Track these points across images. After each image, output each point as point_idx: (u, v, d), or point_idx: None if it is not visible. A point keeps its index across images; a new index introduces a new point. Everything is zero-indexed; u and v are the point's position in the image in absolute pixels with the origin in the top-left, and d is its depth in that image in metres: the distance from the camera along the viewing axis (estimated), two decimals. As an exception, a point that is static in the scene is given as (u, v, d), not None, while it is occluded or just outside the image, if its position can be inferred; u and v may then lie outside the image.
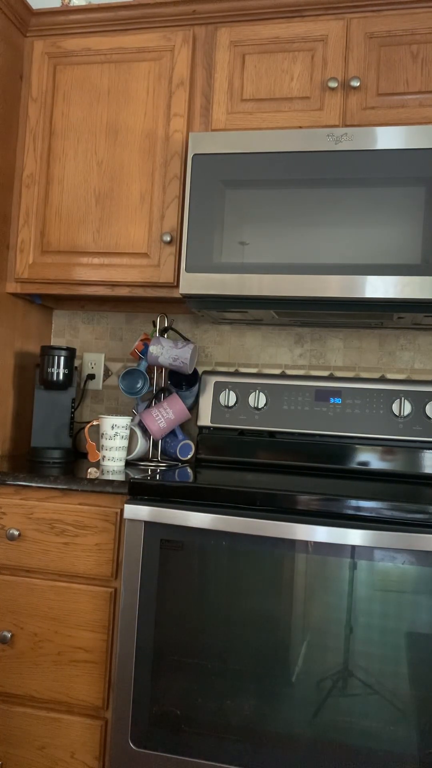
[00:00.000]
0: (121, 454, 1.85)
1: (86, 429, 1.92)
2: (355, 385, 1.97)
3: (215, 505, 1.50)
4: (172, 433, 2.05)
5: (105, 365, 2.27)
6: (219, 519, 1.46)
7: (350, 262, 1.68)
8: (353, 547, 1.42)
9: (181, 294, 1.79)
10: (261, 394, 2.01)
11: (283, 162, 1.74)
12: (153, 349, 1.96)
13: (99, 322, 2.28)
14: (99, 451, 1.90)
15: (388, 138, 1.68)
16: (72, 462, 1.94)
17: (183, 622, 1.49)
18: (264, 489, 1.47)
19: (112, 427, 1.83)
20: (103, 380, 2.27)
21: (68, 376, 1.97)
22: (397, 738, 1.37)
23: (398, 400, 1.92)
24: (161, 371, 2.10)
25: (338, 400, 1.97)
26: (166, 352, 1.96)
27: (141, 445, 1.95)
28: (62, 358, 1.95)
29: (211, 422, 2.04)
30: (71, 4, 2.03)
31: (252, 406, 2.02)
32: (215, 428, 2.05)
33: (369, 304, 1.70)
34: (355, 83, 1.76)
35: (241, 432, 2.04)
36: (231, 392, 2.03)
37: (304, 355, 2.12)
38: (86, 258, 1.93)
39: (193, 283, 1.78)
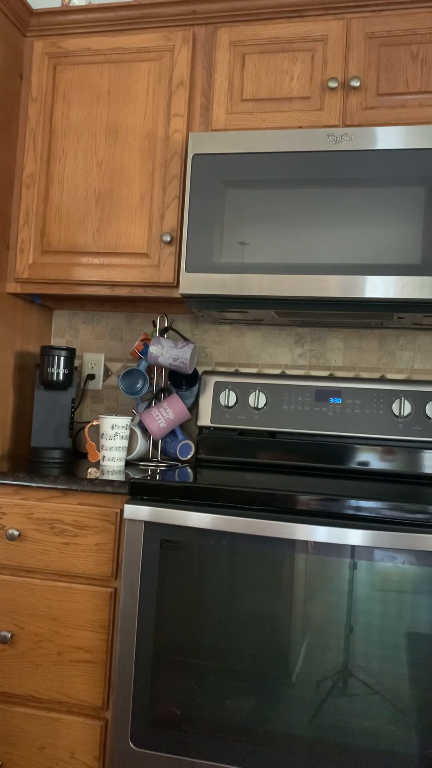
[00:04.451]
0: (121, 454, 1.85)
1: (86, 429, 1.92)
2: (355, 385, 1.97)
3: (215, 505, 1.50)
4: (172, 433, 2.05)
5: (105, 365, 2.27)
6: (219, 519, 1.46)
7: (350, 262, 1.68)
8: (353, 547, 1.42)
9: (181, 294, 1.79)
10: (261, 394, 2.01)
11: (283, 162, 1.74)
12: (153, 349, 1.96)
13: (99, 322, 2.28)
14: (99, 451, 1.90)
15: (388, 138, 1.68)
16: (72, 462, 1.94)
17: (183, 622, 1.49)
18: (264, 489, 1.47)
19: (112, 427, 1.83)
20: (103, 380, 2.27)
21: (68, 376, 1.97)
22: (397, 738, 1.37)
23: (398, 400, 1.92)
24: (161, 371, 2.10)
25: (338, 400, 1.97)
26: (166, 352, 1.96)
27: (141, 445, 1.95)
28: (62, 358, 1.95)
29: (211, 422, 2.04)
30: (71, 4, 2.03)
31: (252, 406, 2.02)
32: (215, 428, 2.05)
33: (369, 304, 1.70)
34: (355, 83, 1.76)
35: (241, 432, 2.04)
36: (231, 392, 2.03)
37: (304, 355, 2.12)
38: (86, 258, 1.93)
39: (193, 283, 1.78)
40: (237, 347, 2.17)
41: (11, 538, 1.62)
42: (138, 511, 1.52)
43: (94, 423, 1.89)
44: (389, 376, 2.06)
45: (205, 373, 2.08)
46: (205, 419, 2.05)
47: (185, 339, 2.12)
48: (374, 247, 1.67)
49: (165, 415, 1.95)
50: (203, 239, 1.77)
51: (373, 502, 1.41)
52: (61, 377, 1.96)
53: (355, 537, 1.39)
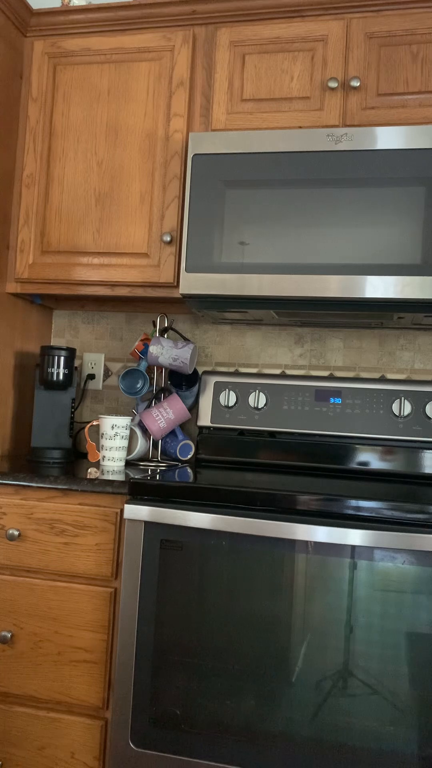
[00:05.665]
0: (121, 454, 1.85)
1: (86, 429, 1.92)
2: (355, 385, 1.97)
3: (215, 506, 1.50)
4: (172, 433, 2.05)
5: (105, 365, 2.27)
6: (219, 519, 1.46)
7: (350, 262, 1.68)
8: (353, 547, 1.42)
9: (181, 294, 1.79)
10: (261, 394, 2.01)
11: (283, 162, 1.74)
12: (153, 349, 1.96)
13: (99, 322, 2.28)
14: (99, 451, 1.90)
15: (388, 138, 1.68)
16: (72, 462, 1.94)
17: (183, 622, 1.49)
18: (264, 489, 1.47)
19: (112, 427, 1.83)
20: (103, 380, 2.27)
21: (68, 376, 1.97)
22: (397, 738, 1.37)
23: (398, 400, 1.92)
24: (161, 371, 2.10)
25: (338, 400, 1.97)
26: (166, 352, 1.96)
27: (141, 445, 1.95)
28: (62, 358, 1.95)
29: (211, 422, 2.04)
30: (71, 4, 2.03)
31: (252, 406, 2.02)
32: (215, 428, 2.05)
33: (369, 304, 1.70)
34: (355, 83, 1.76)
35: (241, 432, 2.04)
36: (231, 392, 2.03)
37: (304, 355, 2.12)
38: (86, 258, 1.93)
39: (193, 283, 1.78)
40: (237, 347, 2.17)
41: (11, 538, 1.62)
42: (138, 511, 1.52)
43: (94, 423, 1.89)
44: (389, 376, 2.06)
45: (205, 373, 2.08)
46: (205, 419, 2.05)
47: (185, 339, 2.12)
48: (374, 247, 1.67)
49: (165, 415, 1.95)
50: (203, 239, 1.77)
51: (373, 502, 1.41)
52: (61, 377, 1.96)
53: (355, 537, 1.39)
